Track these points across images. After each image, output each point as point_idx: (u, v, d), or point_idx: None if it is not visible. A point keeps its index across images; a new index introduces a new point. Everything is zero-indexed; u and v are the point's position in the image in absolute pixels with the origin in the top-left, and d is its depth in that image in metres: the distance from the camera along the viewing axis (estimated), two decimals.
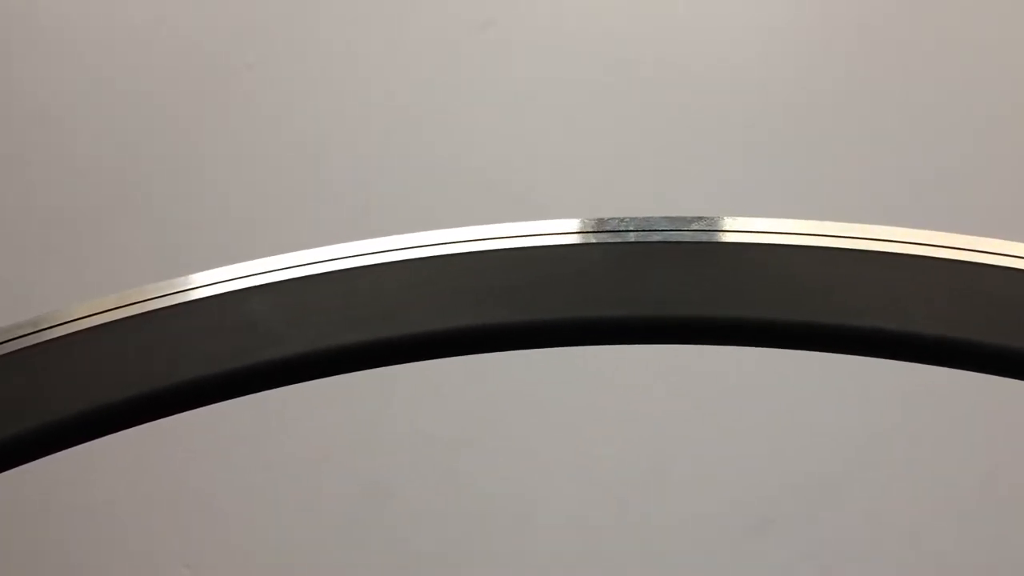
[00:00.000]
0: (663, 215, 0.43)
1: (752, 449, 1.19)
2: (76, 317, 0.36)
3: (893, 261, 0.39)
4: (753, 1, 1.18)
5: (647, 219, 0.42)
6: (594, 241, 0.40)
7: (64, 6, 1.19)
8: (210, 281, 0.36)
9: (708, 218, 0.42)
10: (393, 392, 1.20)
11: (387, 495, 1.22)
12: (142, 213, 1.20)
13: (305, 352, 0.33)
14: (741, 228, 0.41)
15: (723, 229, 0.41)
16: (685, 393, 1.19)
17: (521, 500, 1.21)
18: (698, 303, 0.38)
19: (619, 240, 0.40)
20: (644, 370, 1.18)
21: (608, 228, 0.41)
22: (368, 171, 1.19)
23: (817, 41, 1.18)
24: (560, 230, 0.40)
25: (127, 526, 1.23)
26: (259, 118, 1.20)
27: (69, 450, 1.34)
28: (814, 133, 1.17)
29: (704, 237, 0.41)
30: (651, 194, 1.17)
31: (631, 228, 0.41)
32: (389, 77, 1.19)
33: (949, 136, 1.16)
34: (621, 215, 0.43)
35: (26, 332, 0.34)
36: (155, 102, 1.20)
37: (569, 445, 1.20)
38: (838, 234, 0.41)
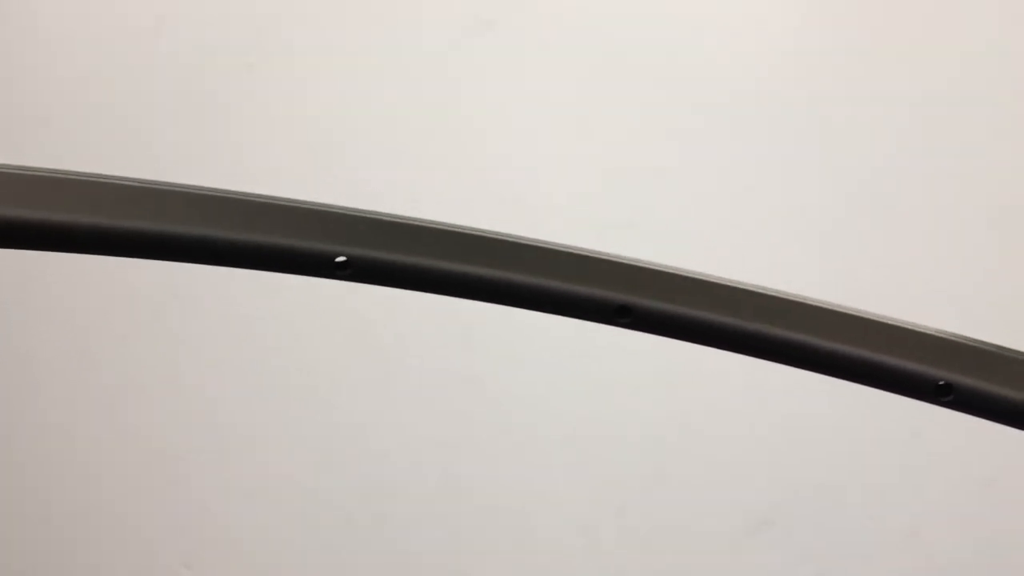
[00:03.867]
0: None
1: (752, 450, 1.19)
2: None
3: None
4: (754, 4, 1.18)
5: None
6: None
7: (65, 5, 1.19)
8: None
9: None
10: (393, 393, 1.20)
11: (386, 495, 1.22)
12: None
13: None
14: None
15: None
16: (685, 393, 1.19)
17: (520, 501, 1.21)
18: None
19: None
20: (644, 369, 1.18)
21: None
22: (369, 171, 1.19)
23: (817, 40, 1.18)
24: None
25: (127, 526, 1.23)
26: (259, 119, 1.20)
27: (68, 450, 1.33)
28: (817, 137, 1.17)
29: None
30: (651, 194, 1.17)
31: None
32: (389, 77, 1.19)
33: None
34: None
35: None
36: (154, 103, 1.20)
37: (569, 445, 1.20)
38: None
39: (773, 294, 0.44)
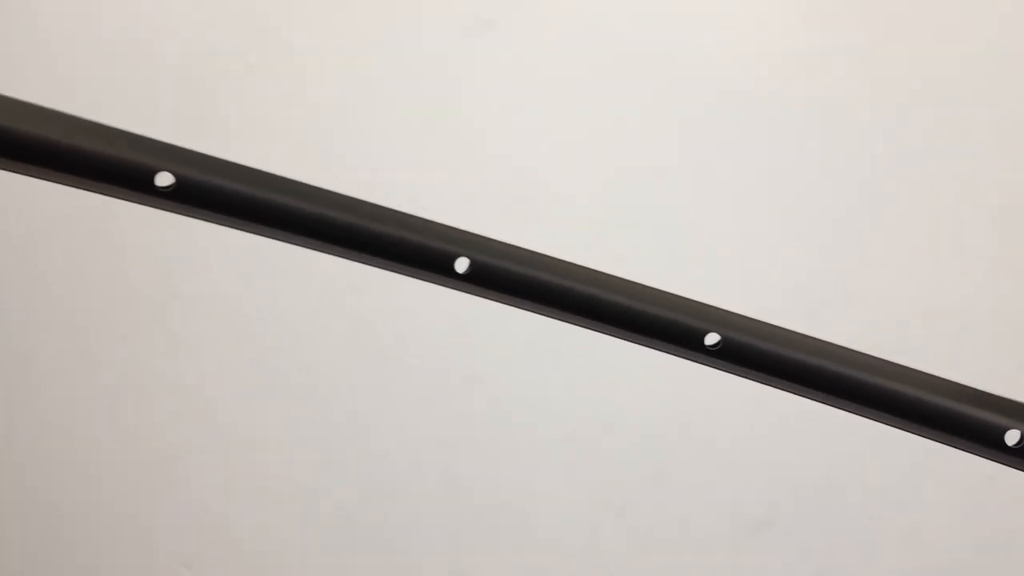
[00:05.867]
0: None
1: (752, 450, 1.19)
2: None
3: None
4: (754, 4, 1.18)
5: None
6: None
7: (65, 5, 1.19)
8: None
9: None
10: (393, 393, 1.20)
11: (386, 495, 1.22)
12: (142, 214, 1.20)
13: None
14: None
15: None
16: (685, 393, 1.19)
17: (520, 501, 1.21)
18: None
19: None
20: (645, 369, 1.18)
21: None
22: (369, 171, 1.19)
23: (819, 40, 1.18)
24: None
25: (127, 526, 1.23)
26: (259, 119, 1.20)
27: (68, 450, 1.33)
28: (819, 140, 1.17)
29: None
30: (652, 194, 1.17)
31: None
32: (389, 77, 1.19)
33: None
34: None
35: None
36: (154, 103, 1.20)
37: (569, 445, 1.20)
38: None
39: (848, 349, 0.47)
